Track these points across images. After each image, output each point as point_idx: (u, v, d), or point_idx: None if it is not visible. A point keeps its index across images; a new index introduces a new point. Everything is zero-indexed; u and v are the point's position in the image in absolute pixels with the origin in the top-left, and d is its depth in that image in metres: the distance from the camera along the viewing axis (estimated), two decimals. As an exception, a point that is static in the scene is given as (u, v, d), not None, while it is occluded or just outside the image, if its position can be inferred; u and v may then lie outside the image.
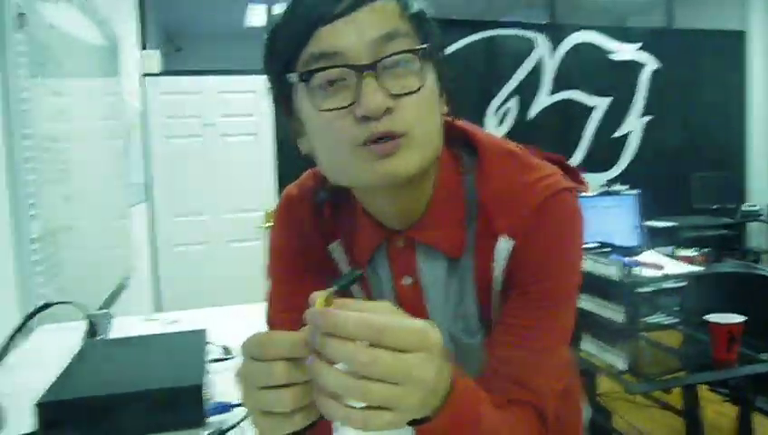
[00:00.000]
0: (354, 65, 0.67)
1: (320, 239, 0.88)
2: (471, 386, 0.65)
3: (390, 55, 0.68)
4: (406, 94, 0.69)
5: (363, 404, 0.52)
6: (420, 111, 0.70)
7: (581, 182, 0.80)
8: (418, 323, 0.54)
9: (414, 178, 0.72)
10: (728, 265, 2.91)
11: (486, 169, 0.80)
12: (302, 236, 0.90)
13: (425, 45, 0.70)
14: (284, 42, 0.71)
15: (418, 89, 0.69)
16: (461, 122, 0.84)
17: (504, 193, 0.77)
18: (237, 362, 0.57)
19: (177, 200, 4.70)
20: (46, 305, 1.59)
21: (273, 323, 0.92)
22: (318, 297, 0.54)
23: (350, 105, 0.68)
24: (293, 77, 0.71)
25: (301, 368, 0.54)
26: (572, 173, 0.81)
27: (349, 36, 0.68)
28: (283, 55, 0.71)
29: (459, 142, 0.84)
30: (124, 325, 1.69)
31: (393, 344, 0.51)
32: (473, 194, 0.80)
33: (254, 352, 0.55)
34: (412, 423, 0.59)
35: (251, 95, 4.72)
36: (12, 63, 1.69)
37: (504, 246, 0.76)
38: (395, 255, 0.84)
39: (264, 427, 0.57)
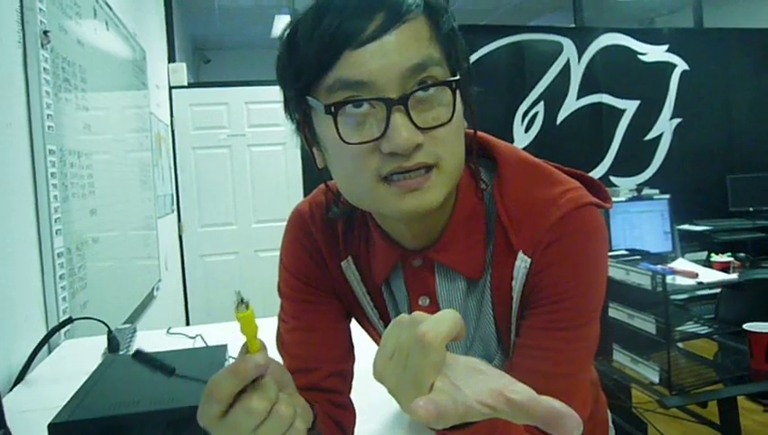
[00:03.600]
0: (383, 99, 0.64)
1: (332, 256, 0.86)
2: None
3: (421, 88, 0.65)
4: (437, 127, 0.66)
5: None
6: (451, 142, 0.67)
7: (607, 198, 0.76)
8: None
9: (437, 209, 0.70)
10: (765, 272, 2.83)
11: (506, 182, 0.76)
12: (314, 253, 0.87)
13: (457, 77, 0.67)
14: (306, 61, 0.67)
15: (449, 120, 0.66)
16: (479, 133, 0.82)
17: (524, 207, 0.74)
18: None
19: (206, 211, 4.74)
20: (68, 321, 1.60)
21: (283, 341, 0.89)
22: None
23: (377, 139, 0.65)
24: (316, 104, 0.67)
25: (262, 387, 0.56)
26: (597, 189, 0.77)
27: (377, 65, 0.63)
28: (305, 75, 0.67)
29: (478, 154, 0.81)
30: (147, 339, 1.70)
31: None
32: (492, 209, 0.77)
33: (211, 410, 0.56)
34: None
35: (278, 105, 4.65)
36: (36, 80, 1.70)
37: (522, 263, 0.73)
38: (412, 274, 0.81)
39: None
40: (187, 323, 4.44)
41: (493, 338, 0.80)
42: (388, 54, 0.64)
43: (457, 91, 0.67)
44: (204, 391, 0.56)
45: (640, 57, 5.03)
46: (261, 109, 4.75)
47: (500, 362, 0.80)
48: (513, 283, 0.74)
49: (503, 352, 0.80)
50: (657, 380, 1.99)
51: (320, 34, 0.65)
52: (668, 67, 5.10)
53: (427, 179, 0.66)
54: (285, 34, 0.71)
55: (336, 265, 0.86)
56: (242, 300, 0.54)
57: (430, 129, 0.65)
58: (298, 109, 0.73)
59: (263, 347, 0.57)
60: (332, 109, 0.65)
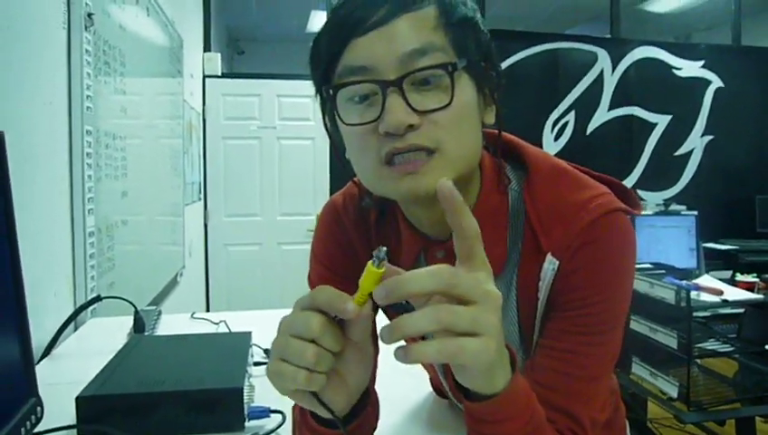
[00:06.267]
0: (379, 80, 0.67)
1: (364, 247, 0.87)
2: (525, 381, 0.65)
3: (415, 71, 0.66)
4: (432, 111, 0.67)
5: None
6: (452, 127, 0.68)
7: (636, 205, 0.77)
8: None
9: None
10: (791, 294, 2.79)
11: (536, 185, 0.77)
12: (344, 243, 0.89)
13: (453, 61, 0.68)
14: (322, 52, 0.72)
15: (447, 105, 0.67)
16: (509, 135, 0.82)
17: (554, 210, 0.74)
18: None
19: (232, 201, 4.78)
20: (97, 299, 1.63)
21: None
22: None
23: (375, 121, 0.67)
24: (326, 90, 0.71)
25: (334, 335, 0.57)
26: (626, 195, 0.77)
27: (379, 50, 0.67)
28: (321, 66, 0.72)
29: (506, 155, 0.82)
30: (172, 322, 1.72)
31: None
32: (520, 209, 0.78)
33: (303, 301, 0.59)
34: (471, 397, 0.61)
35: (309, 100, 4.74)
36: (78, 62, 1.74)
37: (550, 265, 0.73)
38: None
39: (276, 373, 0.58)
40: (207, 310, 4.48)
41: (515, 337, 0.80)
42: (390, 40, 0.67)
43: (455, 76, 0.67)
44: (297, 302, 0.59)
45: (675, 72, 4.97)
46: (292, 102, 4.78)
47: (521, 360, 0.80)
48: (540, 284, 0.75)
49: (524, 351, 0.80)
50: (675, 395, 1.98)
51: (331, 26, 0.71)
52: (703, 83, 5.04)
53: (426, 163, 0.67)
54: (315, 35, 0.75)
55: (367, 256, 0.86)
56: (383, 258, 0.56)
57: (427, 112, 0.67)
58: (323, 101, 0.76)
59: (366, 304, 0.58)
60: (330, 91, 0.70)
